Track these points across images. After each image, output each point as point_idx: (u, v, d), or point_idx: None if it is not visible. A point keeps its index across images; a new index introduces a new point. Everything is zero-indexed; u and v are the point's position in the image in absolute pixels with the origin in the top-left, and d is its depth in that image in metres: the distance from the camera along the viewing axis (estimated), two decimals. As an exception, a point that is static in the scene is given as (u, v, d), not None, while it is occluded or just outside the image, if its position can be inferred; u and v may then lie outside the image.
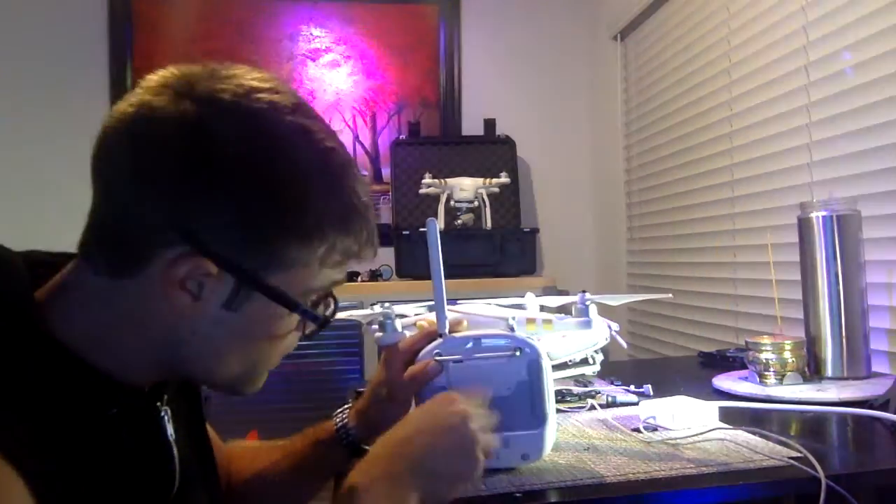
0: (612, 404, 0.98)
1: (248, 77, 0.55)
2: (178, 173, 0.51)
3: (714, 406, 0.86)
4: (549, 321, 0.87)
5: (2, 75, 2.54)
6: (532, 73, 2.88)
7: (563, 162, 2.90)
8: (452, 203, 2.36)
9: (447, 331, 0.73)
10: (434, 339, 0.73)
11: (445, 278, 0.72)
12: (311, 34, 2.75)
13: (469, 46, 2.84)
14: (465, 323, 0.75)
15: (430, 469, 0.59)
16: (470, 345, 0.71)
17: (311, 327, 0.60)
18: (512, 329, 0.73)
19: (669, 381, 1.19)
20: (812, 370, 1.11)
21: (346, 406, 0.82)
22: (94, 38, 2.60)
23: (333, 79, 2.75)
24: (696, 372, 1.33)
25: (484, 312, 0.85)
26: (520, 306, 1.01)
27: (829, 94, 1.38)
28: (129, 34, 2.61)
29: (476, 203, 2.37)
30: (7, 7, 2.55)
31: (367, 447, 0.78)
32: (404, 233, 2.34)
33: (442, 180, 2.38)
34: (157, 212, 0.51)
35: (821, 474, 0.66)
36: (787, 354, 1.06)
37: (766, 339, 1.08)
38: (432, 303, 0.74)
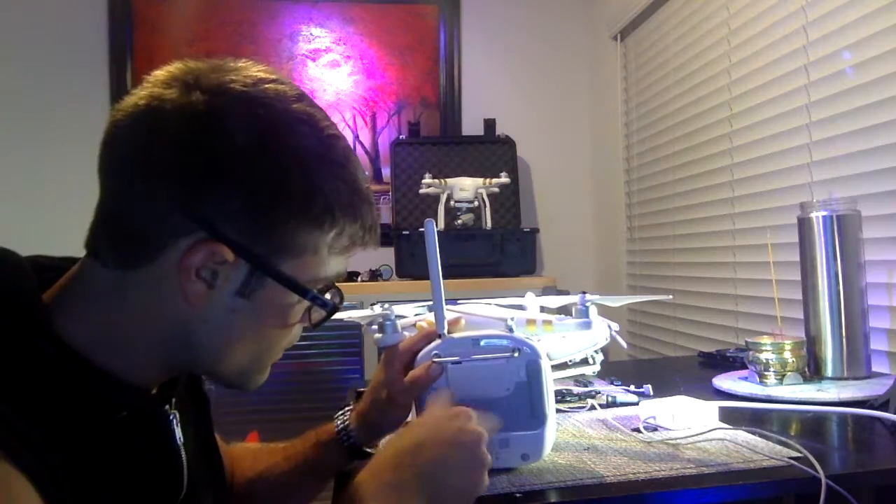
0: (612, 404, 0.98)
1: (254, 70, 0.56)
2: (190, 162, 0.51)
3: (714, 406, 0.86)
4: (549, 322, 0.87)
5: (1, 75, 2.54)
6: (532, 73, 2.88)
7: (563, 162, 2.90)
8: (452, 203, 2.36)
9: (446, 331, 0.73)
10: (432, 340, 0.73)
11: (445, 278, 0.72)
12: (311, 34, 2.75)
13: (469, 46, 2.84)
14: (462, 322, 0.75)
15: (438, 482, 0.59)
16: (469, 345, 0.71)
17: (317, 316, 0.60)
18: (511, 330, 0.73)
19: (669, 381, 1.19)
20: (812, 370, 1.11)
21: (347, 408, 0.82)
22: (94, 38, 2.60)
23: (333, 79, 2.75)
24: (696, 372, 1.33)
25: (483, 313, 0.85)
26: (520, 306, 1.01)
27: (829, 94, 1.38)
28: (129, 34, 2.61)
29: (476, 203, 2.37)
30: (7, 7, 2.55)
31: (368, 449, 0.78)
32: (404, 233, 2.34)
33: (442, 180, 2.38)
34: (172, 201, 0.51)
35: (821, 474, 0.66)
36: (787, 354, 1.06)
37: (766, 339, 1.08)
38: (432, 303, 0.74)
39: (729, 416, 0.88)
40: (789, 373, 1.06)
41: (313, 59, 2.75)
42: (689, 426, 0.83)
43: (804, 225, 1.14)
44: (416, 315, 0.91)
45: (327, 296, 0.59)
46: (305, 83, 2.73)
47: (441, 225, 2.36)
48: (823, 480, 0.65)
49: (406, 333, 0.78)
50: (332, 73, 2.75)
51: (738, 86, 1.73)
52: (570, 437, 0.83)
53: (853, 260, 1.10)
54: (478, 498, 0.64)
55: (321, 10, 2.75)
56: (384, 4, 2.77)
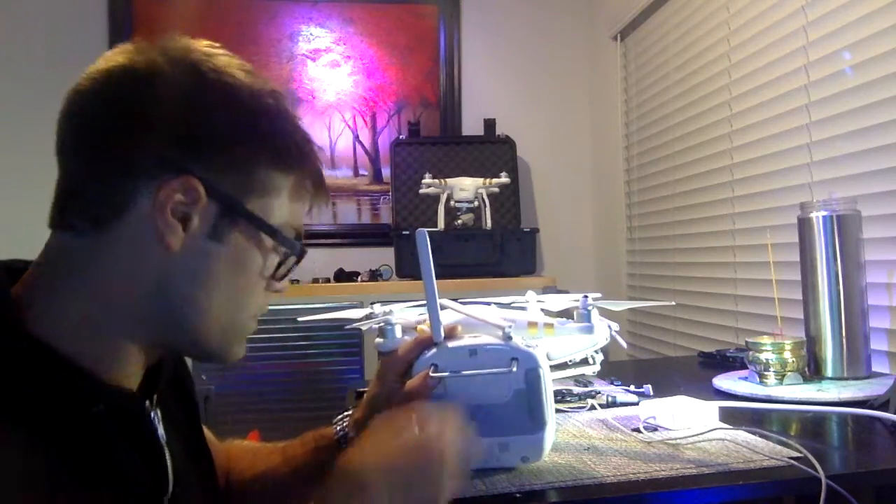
0: (612, 404, 0.98)
1: (205, 41, 0.59)
2: (156, 113, 0.53)
3: (714, 406, 0.86)
4: (550, 325, 0.87)
5: (1, 75, 2.54)
6: (532, 73, 2.88)
7: (563, 162, 2.90)
8: (452, 203, 2.36)
9: (442, 339, 0.72)
10: (427, 347, 0.72)
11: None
12: (311, 34, 2.75)
13: (469, 46, 2.84)
14: (459, 329, 0.74)
15: (398, 487, 0.56)
16: (465, 354, 0.70)
17: (286, 266, 0.61)
18: (509, 338, 0.72)
19: (669, 381, 1.19)
20: (812, 370, 1.11)
21: (346, 413, 0.82)
22: (94, 38, 2.60)
23: (333, 79, 2.75)
24: (696, 372, 1.33)
25: (482, 316, 0.84)
26: (520, 306, 1.01)
27: (829, 94, 1.38)
28: (129, 34, 2.61)
29: (476, 203, 2.37)
30: (7, 7, 2.55)
31: None
32: (404, 233, 2.34)
33: (442, 180, 2.38)
34: (140, 147, 0.53)
35: (821, 474, 0.66)
36: (787, 354, 1.06)
37: (766, 339, 1.08)
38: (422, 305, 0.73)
39: (729, 416, 0.88)
40: (789, 373, 1.06)
41: (313, 59, 2.75)
42: (689, 426, 0.83)
43: (804, 225, 1.14)
44: (419, 315, 0.91)
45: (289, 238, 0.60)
46: (305, 83, 2.73)
47: (441, 225, 2.36)
48: (823, 480, 0.65)
49: (407, 337, 0.78)
50: (332, 73, 2.75)
51: (738, 86, 1.73)
52: (570, 438, 0.83)
53: (853, 260, 1.10)
54: (478, 498, 0.63)
55: (321, 10, 2.75)
56: (384, 4, 2.77)
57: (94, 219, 0.53)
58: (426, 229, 0.69)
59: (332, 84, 2.75)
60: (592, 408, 0.96)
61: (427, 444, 0.58)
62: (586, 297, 0.90)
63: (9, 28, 2.56)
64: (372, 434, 0.60)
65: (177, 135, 0.53)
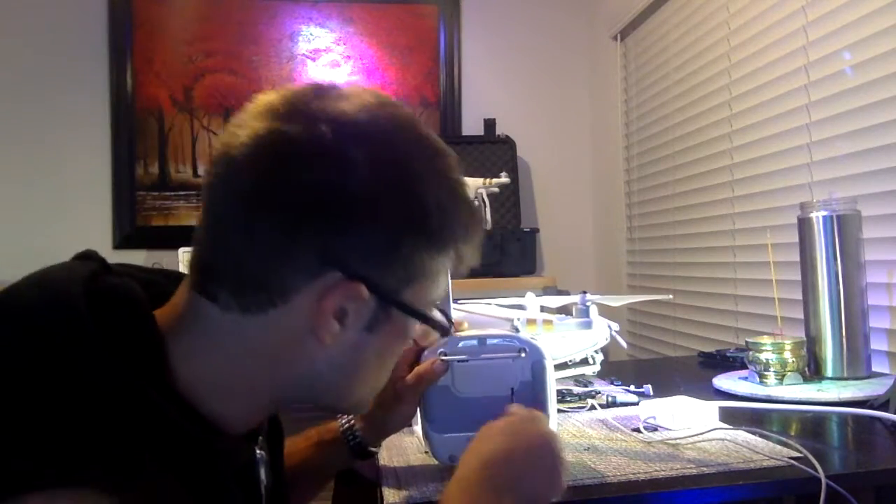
0: (612, 404, 0.98)
1: (365, 95, 0.54)
2: (324, 201, 0.49)
3: (714, 406, 0.86)
4: (549, 322, 0.87)
5: (1, 75, 2.54)
6: (532, 73, 2.88)
7: (563, 162, 2.90)
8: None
9: (452, 330, 0.73)
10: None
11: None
12: (311, 34, 2.75)
13: (469, 46, 2.84)
14: (465, 324, 0.75)
15: (527, 486, 0.58)
16: (475, 344, 0.71)
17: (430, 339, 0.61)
18: (517, 330, 0.73)
19: (669, 381, 1.19)
20: (812, 370, 1.11)
21: None
22: (94, 38, 2.60)
23: (333, 79, 2.75)
24: (696, 372, 1.33)
25: (485, 312, 0.85)
26: (520, 306, 1.01)
27: (829, 94, 1.38)
28: (129, 34, 2.61)
29: (476, 203, 2.37)
30: (7, 7, 2.55)
31: (372, 449, 0.78)
32: (404, 233, 2.33)
33: (442, 180, 2.38)
34: (305, 243, 0.49)
35: (821, 474, 0.66)
36: (787, 354, 1.06)
37: (766, 339, 1.08)
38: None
39: (729, 416, 0.88)
40: (789, 373, 1.06)
41: (313, 59, 2.75)
42: (689, 426, 0.83)
43: (804, 225, 1.14)
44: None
45: (439, 316, 0.60)
46: (305, 83, 2.73)
47: (441, 225, 2.36)
48: (823, 480, 0.65)
49: None
50: (332, 74, 2.75)
51: (738, 86, 1.73)
52: (570, 437, 0.83)
53: (853, 260, 1.10)
54: None
55: (321, 10, 2.75)
56: (384, 4, 2.77)
57: (246, 306, 0.50)
58: None
59: (332, 84, 2.75)
60: (592, 408, 0.96)
61: (544, 440, 0.60)
62: (585, 293, 0.90)
63: (9, 28, 2.56)
64: (485, 437, 0.61)
65: (348, 237, 0.50)
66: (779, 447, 0.75)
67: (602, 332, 1.00)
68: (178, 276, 0.58)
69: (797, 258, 1.16)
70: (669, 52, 2.15)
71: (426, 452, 0.75)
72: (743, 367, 1.16)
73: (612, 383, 1.11)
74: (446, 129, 2.79)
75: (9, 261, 2.28)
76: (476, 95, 2.83)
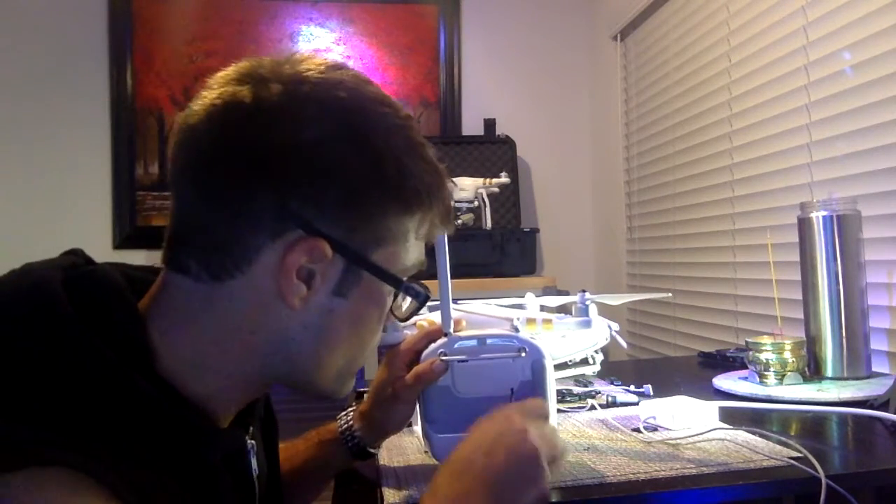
0: (612, 404, 0.98)
1: (319, 58, 0.55)
2: (280, 158, 0.50)
3: (714, 406, 0.86)
4: (548, 321, 0.87)
5: (1, 75, 2.54)
6: (532, 73, 2.88)
7: (563, 162, 2.90)
8: (452, 203, 2.36)
9: (451, 330, 0.72)
10: (434, 339, 0.73)
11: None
12: (311, 34, 2.75)
13: (469, 46, 2.84)
14: (463, 323, 0.75)
15: (498, 491, 0.55)
16: (475, 344, 0.71)
17: (407, 309, 0.60)
18: (517, 329, 0.73)
19: (669, 381, 1.19)
20: (812, 370, 1.11)
21: (349, 408, 0.82)
22: (94, 38, 2.60)
23: (333, 79, 2.75)
24: (696, 372, 1.33)
25: (485, 312, 0.85)
26: (520, 306, 1.01)
27: (829, 94, 1.38)
28: (129, 34, 2.61)
29: (476, 203, 2.37)
30: (7, 7, 2.55)
31: (371, 450, 0.78)
32: (404, 233, 2.33)
33: (442, 180, 2.38)
34: (264, 201, 0.50)
35: (821, 474, 0.66)
36: (787, 354, 1.06)
37: (766, 339, 1.08)
38: (432, 302, 0.74)
39: (729, 416, 0.88)
40: (789, 373, 1.06)
41: (313, 59, 2.75)
42: (689, 426, 0.82)
43: (804, 225, 1.14)
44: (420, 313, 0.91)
45: (416, 286, 0.58)
46: (305, 83, 2.73)
47: (441, 225, 2.36)
48: (823, 480, 0.65)
49: (406, 332, 0.78)
50: (332, 73, 2.75)
51: (738, 86, 1.73)
52: (570, 437, 0.83)
53: (853, 260, 1.10)
54: None
55: (321, 10, 2.75)
56: (384, 4, 2.77)
57: (215, 272, 0.51)
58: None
59: (332, 84, 2.75)
60: (592, 408, 0.96)
61: (520, 442, 0.55)
62: (584, 291, 0.90)
63: (9, 28, 2.55)
64: (469, 440, 0.58)
65: (307, 193, 0.50)
66: (779, 447, 0.75)
67: (602, 332, 1.00)
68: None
69: (797, 258, 1.16)
70: (669, 53, 2.15)
71: (426, 452, 0.75)
72: (743, 367, 1.16)
73: (612, 383, 1.11)
74: (446, 129, 2.79)
75: (9, 261, 2.28)
76: (476, 95, 2.83)
